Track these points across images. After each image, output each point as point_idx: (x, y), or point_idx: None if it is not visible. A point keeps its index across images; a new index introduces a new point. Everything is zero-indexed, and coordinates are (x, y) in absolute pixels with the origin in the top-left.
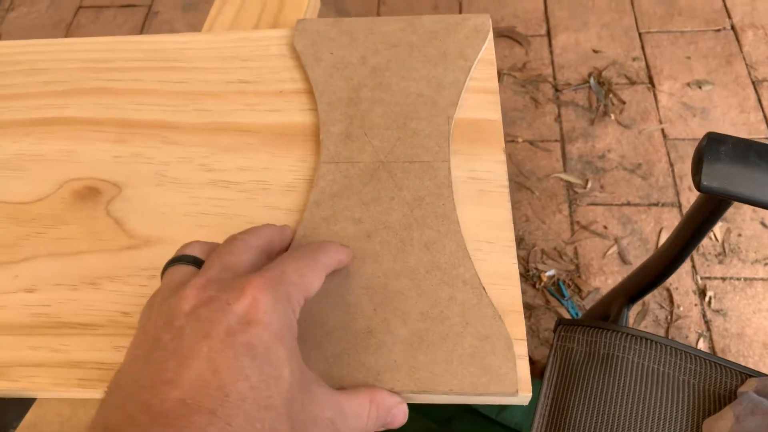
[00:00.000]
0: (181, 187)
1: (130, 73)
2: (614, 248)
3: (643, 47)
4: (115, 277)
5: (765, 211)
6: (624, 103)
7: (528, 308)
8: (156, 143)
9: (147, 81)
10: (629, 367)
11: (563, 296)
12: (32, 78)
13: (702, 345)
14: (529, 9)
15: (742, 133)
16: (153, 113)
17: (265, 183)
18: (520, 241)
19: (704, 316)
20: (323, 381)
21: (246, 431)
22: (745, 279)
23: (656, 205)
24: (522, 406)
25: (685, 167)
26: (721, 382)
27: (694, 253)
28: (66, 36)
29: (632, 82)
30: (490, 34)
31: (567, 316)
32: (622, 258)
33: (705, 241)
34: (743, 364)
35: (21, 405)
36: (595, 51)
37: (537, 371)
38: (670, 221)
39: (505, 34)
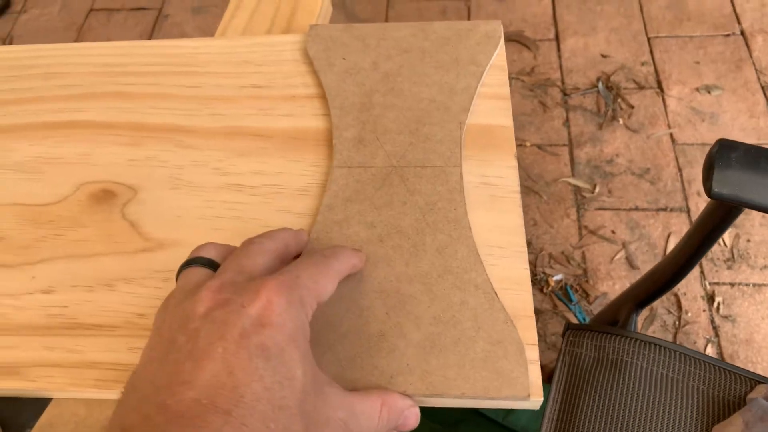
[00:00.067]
0: (195, 190)
1: (145, 77)
2: (622, 253)
3: (651, 52)
4: (130, 279)
5: None
6: (632, 107)
7: (535, 312)
8: (170, 147)
9: (162, 85)
10: (638, 372)
11: (571, 301)
12: (49, 82)
13: (710, 351)
14: (538, 13)
15: (751, 138)
16: (168, 117)
17: (279, 187)
18: (527, 245)
19: (712, 321)
20: (336, 383)
21: (260, 431)
22: (754, 285)
23: (664, 210)
24: (528, 411)
25: (694, 172)
26: (730, 389)
27: (703, 258)
28: (77, 38)
29: (641, 87)
30: (502, 41)
31: (574, 320)
32: (630, 263)
33: (714, 247)
34: (752, 370)
35: (37, 405)
36: (603, 55)
37: (544, 376)
38: (679, 226)
39: (513, 39)
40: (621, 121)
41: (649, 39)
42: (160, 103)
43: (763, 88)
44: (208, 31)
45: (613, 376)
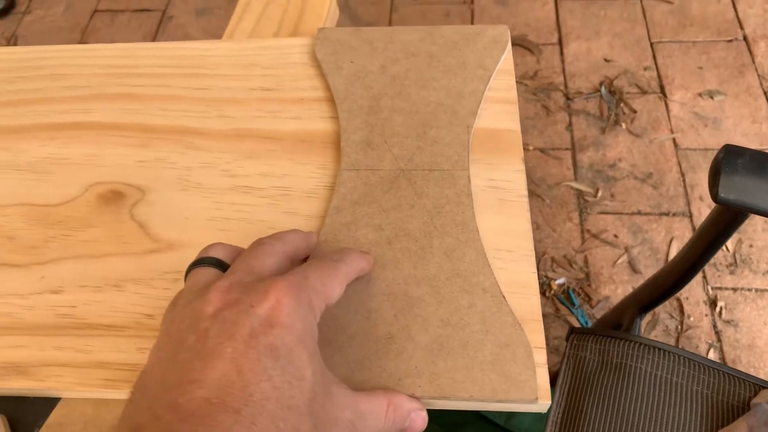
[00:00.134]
0: (204, 192)
1: (153, 79)
2: (624, 257)
3: (654, 57)
4: (139, 279)
5: None
6: (635, 112)
7: None
8: (179, 149)
9: (170, 87)
10: (642, 376)
11: (573, 305)
12: (58, 83)
13: (712, 356)
14: (541, 18)
15: (754, 144)
16: (176, 119)
17: (287, 189)
18: None
19: (715, 326)
20: (343, 383)
21: (270, 430)
22: (757, 290)
23: (667, 214)
24: (531, 414)
25: (696, 177)
26: (734, 393)
27: None
28: (81, 39)
29: (644, 92)
30: (509, 45)
31: (576, 324)
32: (633, 267)
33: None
34: (754, 375)
35: (45, 405)
36: (606, 60)
37: None
38: (681, 231)
39: (516, 43)
40: (624, 125)
41: (652, 44)
42: (168, 105)
43: (765, 93)
44: (212, 33)
45: (618, 380)
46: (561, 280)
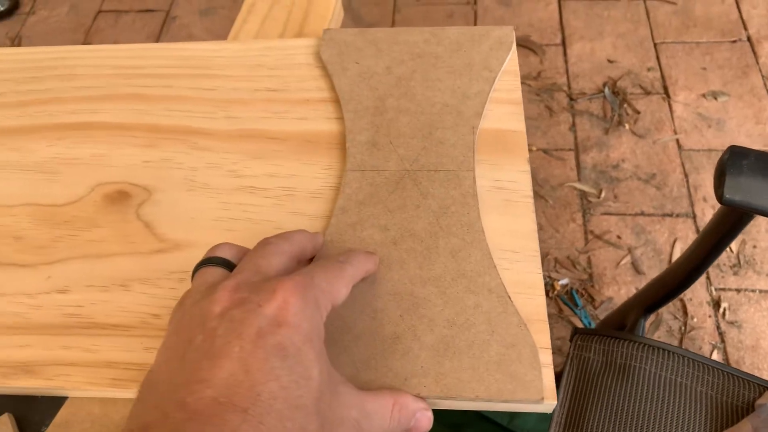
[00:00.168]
0: (210, 192)
1: (160, 79)
2: (628, 258)
3: (658, 57)
4: (145, 279)
5: None
6: (639, 113)
7: None
8: (185, 149)
9: (177, 88)
10: (646, 377)
11: (576, 305)
12: (66, 83)
13: (716, 357)
14: (544, 18)
15: (758, 144)
16: (182, 119)
17: (292, 189)
18: None
19: (718, 327)
20: (349, 383)
21: (277, 430)
22: (760, 291)
23: (670, 215)
24: (534, 414)
25: (700, 178)
26: (738, 394)
27: None
28: (85, 40)
29: (647, 92)
30: (514, 46)
31: (580, 325)
32: (636, 268)
33: None
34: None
35: (52, 404)
36: (610, 61)
37: None
38: (684, 232)
39: (519, 43)
40: (627, 126)
41: (655, 44)
42: (175, 106)
43: None
44: (216, 33)
45: (622, 380)
46: (564, 281)
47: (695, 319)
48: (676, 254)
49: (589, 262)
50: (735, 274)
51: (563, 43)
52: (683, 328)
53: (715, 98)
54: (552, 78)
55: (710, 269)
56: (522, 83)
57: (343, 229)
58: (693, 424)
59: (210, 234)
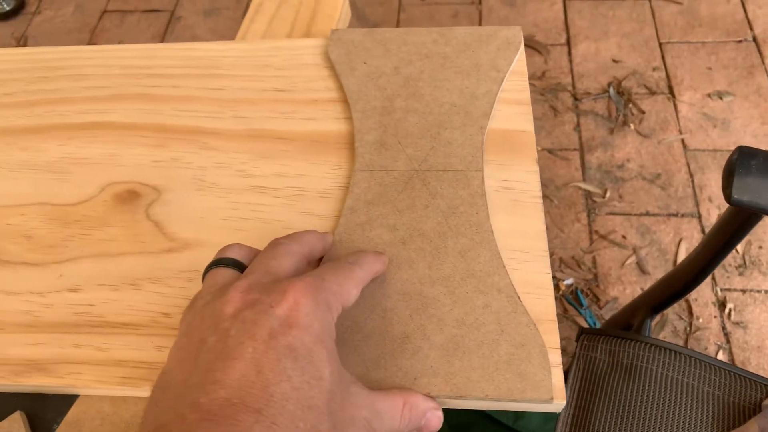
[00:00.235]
0: (219, 192)
1: (169, 79)
2: (633, 258)
3: (663, 57)
4: (155, 278)
5: None
6: (644, 113)
7: None
8: (194, 149)
9: (185, 88)
10: (653, 377)
11: (581, 305)
12: (75, 83)
13: (721, 357)
14: (549, 18)
15: (764, 145)
16: (191, 119)
17: (301, 189)
18: None
19: (724, 328)
20: (360, 382)
21: (290, 430)
22: (766, 292)
23: (675, 215)
24: (539, 415)
25: (705, 178)
26: (745, 395)
27: None
28: (90, 40)
29: (652, 92)
30: (522, 46)
31: (585, 325)
32: (641, 268)
33: None
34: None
35: (63, 402)
36: (615, 60)
37: None
38: (690, 232)
39: (524, 43)
40: (632, 126)
41: (660, 44)
42: (183, 106)
43: None
44: (220, 34)
45: (628, 380)
46: (569, 281)
47: (701, 320)
48: (681, 254)
49: (594, 262)
50: (740, 274)
51: (568, 42)
52: (688, 328)
53: (721, 98)
54: (557, 78)
55: (716, 270)
56: None
57: (352, 229)
58: (700, 424)
59: (219, 233)
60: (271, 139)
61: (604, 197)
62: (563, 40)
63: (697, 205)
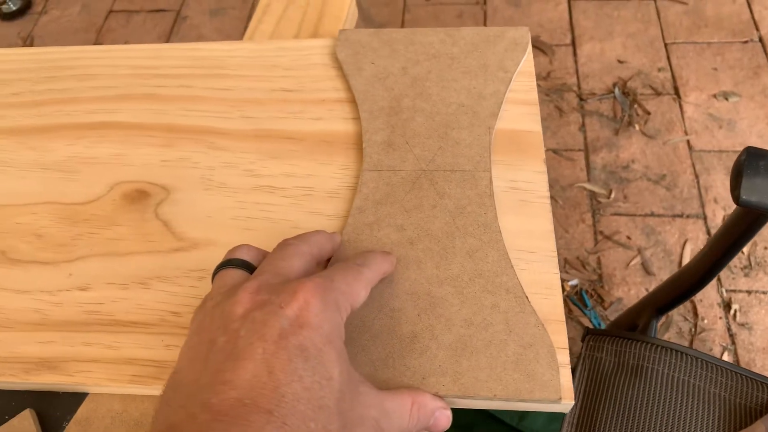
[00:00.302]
0: (227, 191)
1: (176, 79)
2: (637, 259)
3: (668, 58)
4: (164, 277)
5: None
6: (649, 113)
7: None
8: (202, 149)
9: (193, 88)
10: (659, 378)
11: (586, 306)
12: (84, 83)
13: (726, 358)
14: (554, 18)
15: None
16: (199, 119)
17: (309, 189)
18: None
19: (729, 329)
20: (368, 382)
21: (301, 430)
22: None
23: (680, 216)
24: (543, 415)
25: (711, 179)
26: (752, 396)
27: None
28: (96, 39)
29: (657, 93)
30: (529, 47)
31: (589, 326)
32: (646, 269)
33: None
34: None
35: (73, 400)
36: (620, 61)
37: None
38: (695, 233)
39: None
40: (637, 126)
41: (666, 45)
42: (191, 106)
43: None
44: (226, 33)
45: (634, 381)
46: (574, 282)
47: (706, 321)
48: (687, 255)
49: (598, 262)
50: (746, 275)
51: (573, 43)
52: (693, 329)
53: (726, 99)
54: (562, 78)
55: (721, 271)
56: None
57: (360, 229)
58: (706, 426)
59: (228, 233)
60: (279, 139)
61: (609, 198)
62: (568, 40)
63: (703, 206)
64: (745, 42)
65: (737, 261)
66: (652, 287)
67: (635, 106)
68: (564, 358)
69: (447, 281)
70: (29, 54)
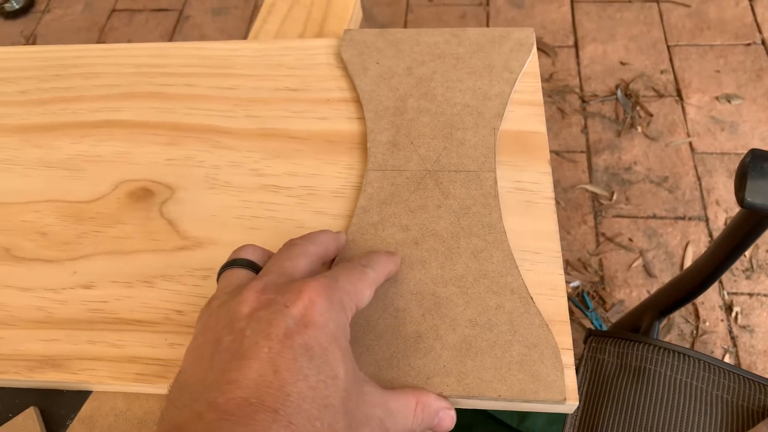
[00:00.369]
0: (232, 190)
1: (181, 78)
2: (639, 261)
3: (671, 60)
4: (169, 276)
5: None
6: (651, 115)
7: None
8: (207, 147)
9: (198, 86)
10: (661, 380)
11: (587, 308)
12: (89, 81)
13: (728, 361)
14: (557, 20)
15: None
16: (204, 118)
17: (314, 188)
18: None
19: (730, 331)
20: (373, 381)
21: (306, 429)
22: None
23: (683, 218)
24: (544, 415)
25: (713, 181)
26: (754, 398)
27: None
28: (99, 38)
29: (660, 95)
30: (534, 48)
31: (590, 327)
32: (648, 271)
33: None
34: None
35: (77, 398)
36: (622, 63)
37: None
38: (697, 235)
39: None
40: (639, 128)
41: (668, 47)
42: (196, 104)
43: None
44: (228, 33)
45: (636, 383)
46: (575, 283)
47: (707, 323)
48: (689, 257)
49: (600, 264)
50: (747, 278)
51: (576, 45)
52: (695, 331)
53: (729, 101)
54: (564, 80)
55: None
56: None
57: (365, 229)
58: (708, 428)
59: (232, 232)
60: (283, 138)
61: (611, 200)
62: (571, 42)
63: (705, 208)
64: (748, 45)
65: (739, 263)
66: (654, 289)
67: (637, 108)
68: (568, 358)
69: (452, 281)
70: (35, 52)
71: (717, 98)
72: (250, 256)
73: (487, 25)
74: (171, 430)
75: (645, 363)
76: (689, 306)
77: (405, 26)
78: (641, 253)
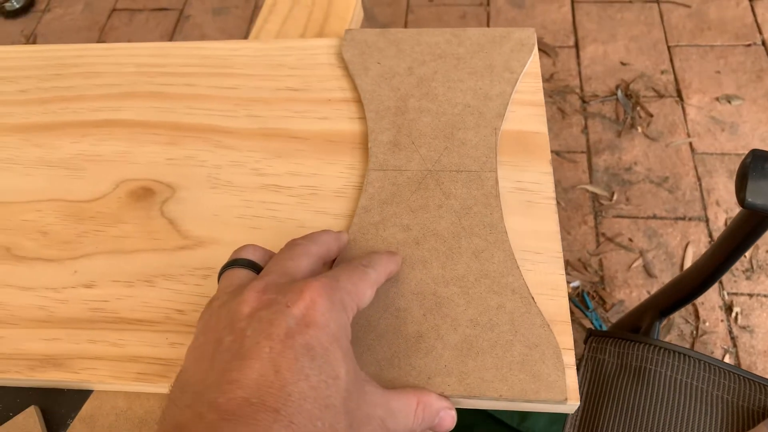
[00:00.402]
0: (233, 190)
1: (182, 78)
2: (639, 261)
3: (671, 60)
4: (169, 275)
5: None
6: (651, 116)
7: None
8: (208, 147)
9: (199, 86)
10: (662, 380)
11: (587, 308)
12: (89, 81)
13: (728, 361)
14: (557, 20)
15: None
16: (205, 118)
17: (315, 188)
18: None
19: (730, 332)
20: (374, 381)
21: (308, 429)
22: None
23: (683, 219)
24: (545, 416)
25: (713, 181)
26: (754, 398)
27: None
28: (99, 38)
29: (660, 95)
30: (535, 48)
31: (590, 327)
32: (648, 271)
33: None
34: None
35: (78, 397)
36: (623, 63)
37: None
38: (697, 235)
39: None
40: (640, 129)
41: (669, 47)
42: (197, 104)
43: None
44: (229, 33)
45: (636, 383)
46: (576, 283)
47: (707, 323)
48: (689, 258)
49: (600, 264)
50: (747, 278)
51: (576, 45)
52: (695, 332)
53: (729, 102)
54: (565, 80)
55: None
56: None
57: (366, 229)
58: (709, 428)
59: (233, 231)
60: (285, 138)
61: (611, 200)
62: (571, 42)
63: (705, 208)
64: (748, 45)
65: (739, 264)
66: (654, 290)
67: (638, 108)
68: (570, 358)
69: (453, 281)
70: (36, 51)
71: (717, 99)
72: (251, 256)
73: (488, 26)
74: (172, 429)
75: (645, 363)
76: (689, 306)
77: (405, 26)
78: (641, 253)
